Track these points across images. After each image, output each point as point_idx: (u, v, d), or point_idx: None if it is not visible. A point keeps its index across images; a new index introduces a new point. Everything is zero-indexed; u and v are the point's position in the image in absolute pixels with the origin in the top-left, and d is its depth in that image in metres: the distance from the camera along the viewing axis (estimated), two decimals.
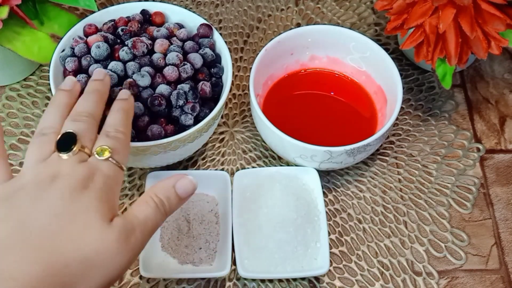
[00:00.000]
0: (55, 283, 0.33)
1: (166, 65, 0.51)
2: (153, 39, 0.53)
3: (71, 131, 0.39)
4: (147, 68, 0.50)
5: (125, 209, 0.55)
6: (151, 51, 0.52)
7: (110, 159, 0.39)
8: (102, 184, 0.38)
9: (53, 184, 0.37)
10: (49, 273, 0.33)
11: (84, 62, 0.51)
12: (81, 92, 0.51)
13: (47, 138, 0.40)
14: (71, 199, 0.36)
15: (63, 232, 0.35)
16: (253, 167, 0.58)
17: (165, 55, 0.52)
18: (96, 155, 0.39)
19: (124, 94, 0.46)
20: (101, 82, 0.46)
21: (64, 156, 0.38)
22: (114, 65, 0.50)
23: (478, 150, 0.60)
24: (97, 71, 0.47)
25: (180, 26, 0.55)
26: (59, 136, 0.39)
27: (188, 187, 0.41)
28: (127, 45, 0.51)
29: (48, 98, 0.62)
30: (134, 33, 0.53)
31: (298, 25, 0.69)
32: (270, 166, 0.58)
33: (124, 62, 0.50)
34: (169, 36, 0.54)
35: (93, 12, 0.55)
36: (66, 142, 0.39)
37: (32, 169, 0.38)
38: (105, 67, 0.50)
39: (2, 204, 0.36)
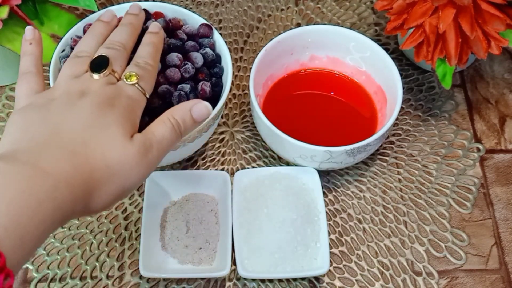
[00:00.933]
0: (81, 183, 0.36)
1: (167, 67, 0.51)
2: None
3: (104, 54, 0.43)
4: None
5: (125, 208, 0.55)
6: None
7: (136, 84, 0.43)
8: (126, 104, 0.41)
9: (83, 98, 0.40)
10: (78, 173, 0.36)
11: None
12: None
13: (81, 60, 0.44)
14: (98, 113, 0.39)
15: (91, 141, 0.38)
16: (253, 167, 0.58)
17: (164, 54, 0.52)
18: (124, 79, 0.43)
19: (155, 27, 0.49)
20: (135, 17, 0.49)
21: (96, 76, 0.42)
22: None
23: (478, 150, 0.60)
24: (133, 5, 0.51)
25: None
26: (93, 58, 0.43)
27: (203, 111, 0.44)
28: None
29: None
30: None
31: (298, 25, 0.69)
32: (270, 166, 0.58)
33: None
34: (170, 31, 0.54)
35: (93, 12, 0.55)
36: (98, 64, 0.43)
37: (65, 83, 0.42)
38: None
39: (39, 110, 0.39)
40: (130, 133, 0.40)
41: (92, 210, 0.37)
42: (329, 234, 0.54)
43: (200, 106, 0.44)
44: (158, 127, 0.42)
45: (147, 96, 0.44)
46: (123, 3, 0.57)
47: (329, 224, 0.55)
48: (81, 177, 0.36)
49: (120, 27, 0.48)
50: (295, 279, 0.52)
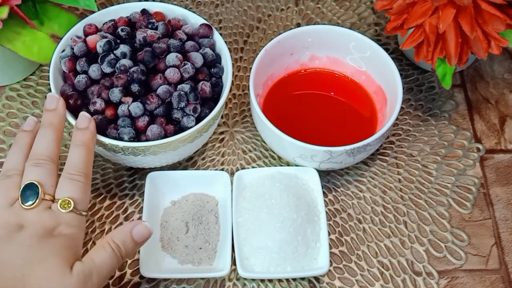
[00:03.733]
0: None
1: (167, 67, 0.51)
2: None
3: (32, 181, 0.43)
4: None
5: (125, 208, 0.56)
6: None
7: (73, 210, 0.43)
8: (67, 232, 0.42)
9: (21, 231, 0.41)
10: None
11: (78, 67, 0.51)
12: (78, 91, 0.51)
13: (11, 182, 0.44)
14: (38, 246, 0.40)
15: (31, 277, 0.39)
16: (253, 167, 0.58)
17: (164, 53, 0.52)
18: (59, 208, 0.43)
19: (84, 121, 0.47)
20: (54, 114, 0.47)
21: (28, 206, 0.42)
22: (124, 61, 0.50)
23: (478, 150, 0.60)
24: (49, 97, 0.48)
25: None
26: (22, 186, 0.43)
27: (143, 232, 0.45)
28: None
29: None
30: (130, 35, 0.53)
31: (298, 25, 0.69)
32: (270, 166, 0.58)
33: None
34: (169, 32, 0.54)
35: (93, 12, 0.55)
36: (29, 194, 0.43)
37: (1, 215, 0.42)
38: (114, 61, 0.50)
39: None
40: (71, 262, 0.41)
41: None
42: (329, 234, 0.54)
43: (140, 227, 0.44)
44: (98, 253, 0.42)
45: (85, 214, 0.44)
46: (123, 3, 0.57)
47: (329, 224, 0.55)
48: None
49: (41, 132, 0.47)
50: (295, 279, 0.52)
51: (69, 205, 0.43)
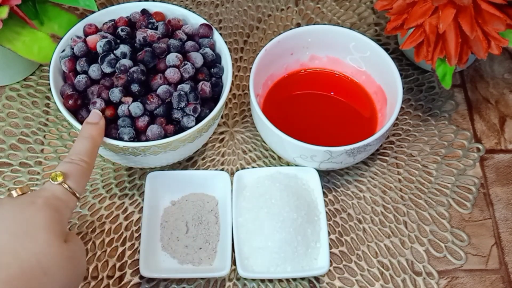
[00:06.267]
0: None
1: (167, 67, 0.51)
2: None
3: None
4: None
5: (125, 208, 0.56)
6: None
7: (63, 184, 0.42)
8: (50, 203, 0.41)
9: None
10: (12, 287, 0.36)
11: (78, 67, 0.51)
12: (78, 91, 0.51)
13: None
14: (21, 216, 0.39)
15: (23, 251, 0.37)
16: (253, 167, 0.58)
17: (164, 53, 0.52)
18: (50, 180, 0.42)
19: (94, 117, 0.48)
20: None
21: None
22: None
23: (478, 150, 0.60)
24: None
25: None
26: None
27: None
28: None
29: (48, 98, 0.62)
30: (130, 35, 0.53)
31: (298, 25, 0.69)
32: (270, 166, 0.58)
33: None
34: (169, 32, 0.54)
35: (93, 12, 0.55)
36: None
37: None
38: (114, 61, 0.50)
39: None
40: (63, 235, 0.40)
41: None
42: (329, 234, 0.54)
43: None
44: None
45: (78, 195, 0.43)
46: (123, 3, 0.57)
47: (329, 224, 0.55)
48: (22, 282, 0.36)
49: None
50: (295, 279, 0.52)
51: (60, 177, 0.42)
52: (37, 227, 0.39)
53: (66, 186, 0.42)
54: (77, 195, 0.43)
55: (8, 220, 0.39)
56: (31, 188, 0.45)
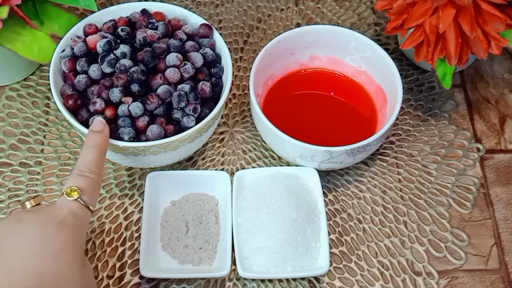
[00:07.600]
0: None
1: (167, 67, 0.51)
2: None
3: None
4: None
5: (125, 208, 0.56)
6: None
7: (78, 199, 0.42)
8: (72, 223, 0.40)
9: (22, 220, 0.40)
10: None
11: (78, 67, 0.51)
12: (78, 91, 0.51)
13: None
14: (45, 235, 0.39)
15: (46, 274, 0.37)
16: (253, 167, 0.58)
17: (164, 53, 0.52)
18: (65, 195, 0.42)
19: (97, 125, 0.47)
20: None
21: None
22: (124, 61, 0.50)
23: (478, 150, 0.60)
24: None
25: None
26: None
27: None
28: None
29: (48, 98, 0.62)
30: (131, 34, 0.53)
31: (298, 25, 0.69)
32: (270, 166, 0.58)
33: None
34: (169, 32, 0.54)
35: (93, 12, 0.55)
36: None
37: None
38: (114, 61, 0.50)
39: None
40: (82, 258, 0.40)
41: None
42: (329, 234, 0.54)
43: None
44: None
45: (92, 209, 0.43)
46: (123, 3, 0.57)
47: (329, 224, 0.55)
48: None
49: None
50: (295, 279, 0.52)
51: (75, 193, 0.42)
52: (59, 248, 0.38)
53: (81, 201, 0.42)
54: (91, 208, 0.43)
55: (29, 238, 0.38)
56: (43, 201, 0.45)
